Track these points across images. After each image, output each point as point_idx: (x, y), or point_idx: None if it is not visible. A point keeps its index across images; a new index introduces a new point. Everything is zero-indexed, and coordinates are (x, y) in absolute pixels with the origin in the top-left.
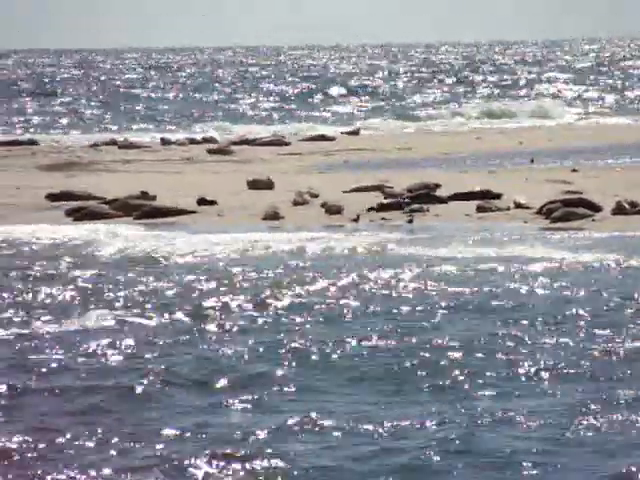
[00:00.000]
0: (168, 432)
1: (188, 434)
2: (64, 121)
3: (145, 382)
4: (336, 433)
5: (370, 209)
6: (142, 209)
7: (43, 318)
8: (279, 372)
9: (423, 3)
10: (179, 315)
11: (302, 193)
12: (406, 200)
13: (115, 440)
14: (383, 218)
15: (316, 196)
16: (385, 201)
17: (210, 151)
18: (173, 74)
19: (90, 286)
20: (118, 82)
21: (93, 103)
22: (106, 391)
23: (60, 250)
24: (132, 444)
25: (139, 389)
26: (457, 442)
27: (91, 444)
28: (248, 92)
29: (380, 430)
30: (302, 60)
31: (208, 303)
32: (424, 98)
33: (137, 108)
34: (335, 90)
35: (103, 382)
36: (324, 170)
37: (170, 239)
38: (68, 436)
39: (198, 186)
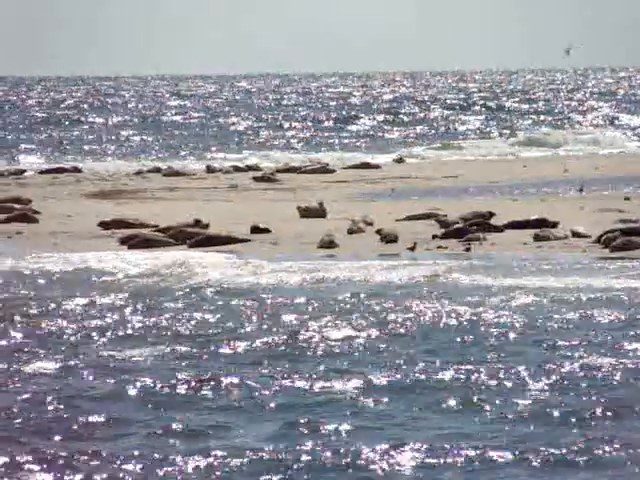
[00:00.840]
0: None
1: None
2: (107, 148)
3: None
4: None
5: (434, 237)
6: (197, 237)
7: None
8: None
9: (447, 31)
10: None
11: (357, 221)
12: (467, 228)
13: None
14: (440, 246)
15: (370, 224)
16: (443, 230)
17: (256, 179)
18: (205, 101)
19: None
20: (152, 109)
21: (132, 131)
22: None
23: (161, 278)
24: None
25: None
26: None
27: None
28: (286, 120)
29: None
30: (336, 87)
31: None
32: (465, 125)
33: (177, 135)
34: (374, 117)
35: None
36: (372, 198)
37: (252, 268)
38: None
39: (248, 214)
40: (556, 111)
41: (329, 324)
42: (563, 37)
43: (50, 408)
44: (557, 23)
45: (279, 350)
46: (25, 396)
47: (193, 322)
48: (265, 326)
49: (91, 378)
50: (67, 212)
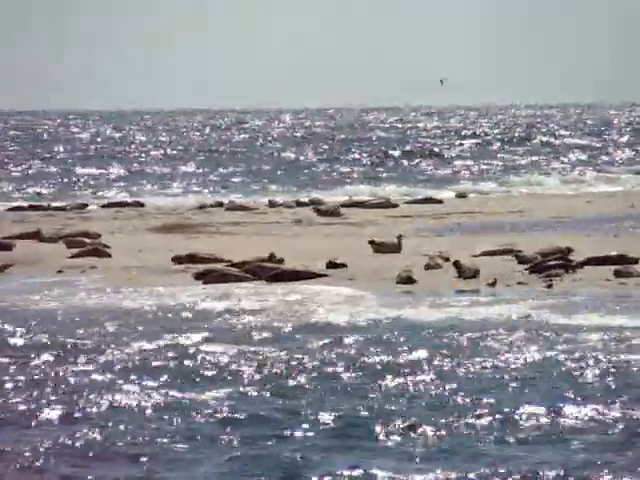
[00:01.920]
0: None
1: None
2: (168, 182)
3: None
4: None
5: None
6: (273, 272)
7: None
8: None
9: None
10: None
11: (434, 257)
12: (548, 264)
13: None
14: (520, 282)
15: (447, 260)
16: (524, 265)
17: (320, 213)
18: (258, 135)
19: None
20: (195, 143)
21: (189, 164)
22: None
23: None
24: None
25: None
26: None
27: None
28: (342, 154)
29: None
30: (387, 121)
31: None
32: (524, 159)
33: (232, 170)
34: (430, 151)
35: None
36: (440, 233)
37: (364, 305)
38: None
39: (318, 248)
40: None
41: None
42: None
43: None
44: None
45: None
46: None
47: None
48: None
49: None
50: (136, 246)
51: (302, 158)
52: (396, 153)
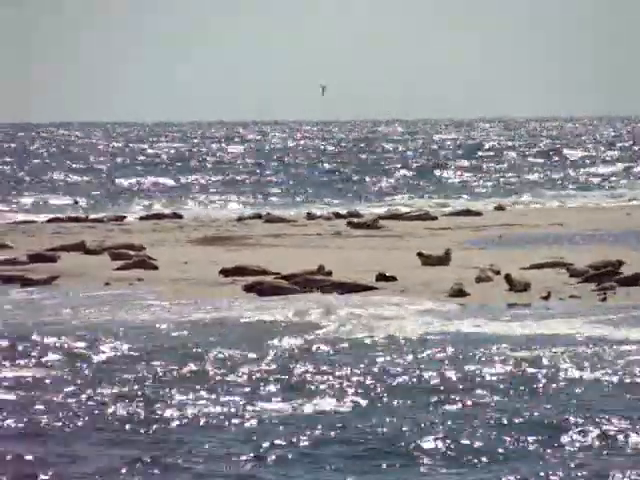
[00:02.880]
0: None
1: None
2: (202, 194)
3: None
4: None
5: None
6: (324, 284)
7: None
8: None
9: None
10: None
11: (485, 270)
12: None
13: None
14: (572, 296)
15: (497, 273)
16: (577, 278)
17: (359, 225)
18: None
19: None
20: (230, 156)
21: (223, 176)
22: None
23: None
24: None
25: None
26: None
27: None
28: (377, 167)
29: None
30: (422, 133)
31: None
32: (553, 172)
33: (268, 181)
34: (471, 163)
35: None
36: (483, 246)
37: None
38: None
39: (363, 261)
40: None
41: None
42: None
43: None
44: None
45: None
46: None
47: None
48: None
49: None
50: (179, 258)
51: (340, 170)
52: (428, 165)
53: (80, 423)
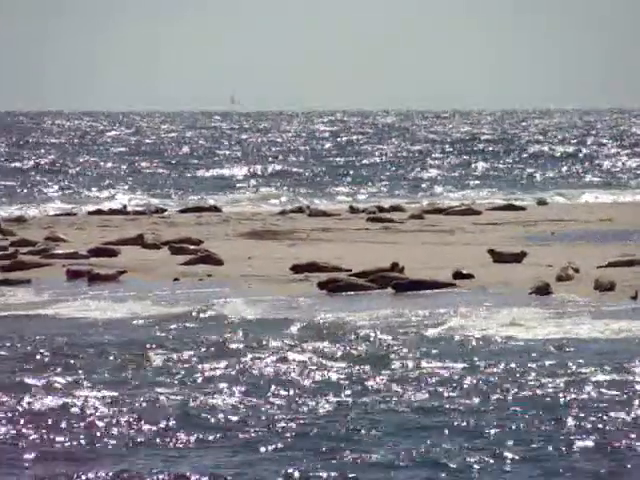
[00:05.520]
0: None
1: None
2: (237, 187)
3: None
4: None
5: None
6: (399, 282)
7: None
8: None
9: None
10: None
11: (566, 268)
12: None
13: None
14: None
15: (577, 271)
16: None
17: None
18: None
19: None
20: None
21: (242, 167)
22: None
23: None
24: None
25: None
26: None
27: None
28: (416, 159)
29: None
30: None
31: None
32: (589, 166)
33: (308, 174)
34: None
35: None
36: (539, 242)
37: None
38: None
39: (423, 257)
40: None
41: None
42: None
43: None
44: None
45: None
46: None
47: None
48: None
49: None
50: (240, 253)
51: (377, 161)
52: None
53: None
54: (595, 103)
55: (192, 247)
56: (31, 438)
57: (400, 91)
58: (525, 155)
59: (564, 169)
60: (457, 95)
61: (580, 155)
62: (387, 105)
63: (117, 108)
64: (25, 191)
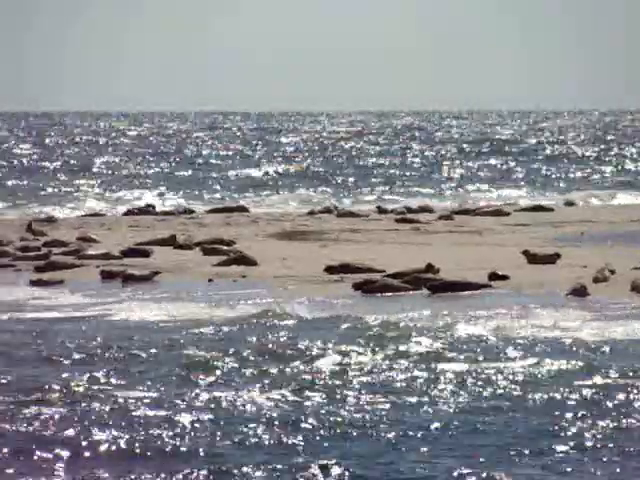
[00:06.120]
0: None
1: None
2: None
3: None
4: None
5: None
6: (435, 283)
7: None
8: None
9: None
10: None
11: (602, 269)
12: None
13: None
14: None
15: (612, 272)
16: None
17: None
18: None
19: None
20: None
21: (272, 167)
22: None
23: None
24: None
25: None
26: None
27: None
28: (442, 159)
29: None
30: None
31: None
32: (613, 167)
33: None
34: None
35: None
36: (569, 243)
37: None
38: None
39: (456, 258)
40: None
41: None
42: None
43: None
44: None
45: None
46: None
47: None
48: None
49: None
50: (274, 253)
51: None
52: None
53: None
54: (620, 104)
55: (225, 248)
56: (94, 439)
57: (418, 91)
58: (549, 155)
59: (589, 170)
60: (480, 95)
61: (605, 156)
62: (407, 106)
63: (135, 109)
64: (54, 191)
